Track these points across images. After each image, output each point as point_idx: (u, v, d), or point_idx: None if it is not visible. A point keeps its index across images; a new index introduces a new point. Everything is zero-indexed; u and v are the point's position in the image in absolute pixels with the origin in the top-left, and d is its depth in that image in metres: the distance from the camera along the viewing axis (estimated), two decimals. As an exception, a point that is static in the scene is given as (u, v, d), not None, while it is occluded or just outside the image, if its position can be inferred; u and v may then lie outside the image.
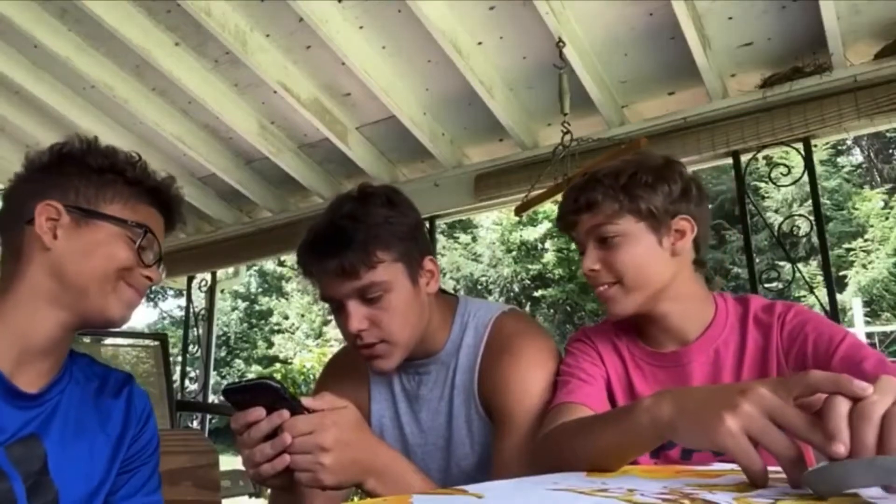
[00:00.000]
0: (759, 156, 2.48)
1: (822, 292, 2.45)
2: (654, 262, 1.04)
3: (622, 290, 1.04)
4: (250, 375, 15.84)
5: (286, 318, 17.04)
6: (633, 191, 1.03)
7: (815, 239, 2.38)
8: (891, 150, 15.04)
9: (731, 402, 0.63)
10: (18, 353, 0.86)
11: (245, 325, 17.89)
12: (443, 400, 1.18)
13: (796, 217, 2.51)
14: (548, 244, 13.75)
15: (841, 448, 0.55)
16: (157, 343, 3.66)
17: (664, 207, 1.03)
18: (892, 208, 12.40)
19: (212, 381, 4.03)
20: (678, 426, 0.69)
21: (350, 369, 1.25)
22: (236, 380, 0.90)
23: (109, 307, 0.91)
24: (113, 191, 0.93)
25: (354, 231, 1.04)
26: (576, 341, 1.15)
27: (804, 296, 8.92)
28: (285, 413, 0.82)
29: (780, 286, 2.90)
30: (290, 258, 16.33)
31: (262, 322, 17.75)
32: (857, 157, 15.11)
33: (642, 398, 0.76)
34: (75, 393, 0.94)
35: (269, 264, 17.47)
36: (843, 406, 0.57)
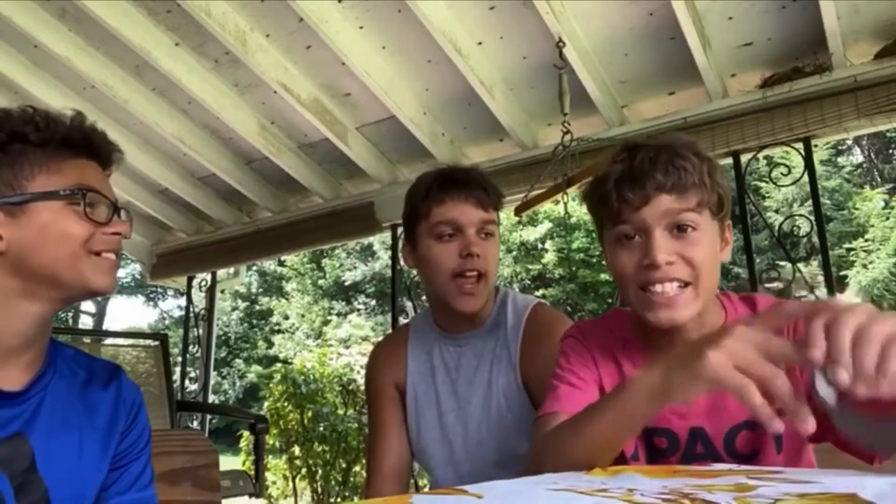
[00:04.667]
0: (760, 156, 2.48)
1: (822, 292, 2.45)
2: (717, 267, 0.92)
3: (693, 293, 0.89)
4: (251, 376, 15.85)
5: (286, 318, 17.01)
6: (716, 179, 0.89)
7: (815, 239, 2.39)
8: (891, 150, 15.03)
9: (715, 341, 0.66)
10: None
11: (245, 325, 17.87)
12: (480, 369, 1.33)
13: (797, 217, 2.52)
14: (548, 244, 13.74)
15: (844, 374, 0.59)
16: (157, 343, 3.66)
17: (728, 207, 0.92)
18: (892, 208, 12.39)
19: (212, 381, 4.03)
20: (671, 383, 0.70)
21: (391, 353, 1.44)
22: None
23: (90, 283, 0.87)
24: (28, 163, 0.85)
25: (488, 178, 1.32)
26: (569, 338, 1.07)
27: (804, 296, 8.92)
28: None
29: (781, 286, 2.90)
30: (291, 258, 16.35)
31: (262, 322, 17.72)
32: (858, 157, 15.11)
33: (631, 375, 0.78)
34: (60, 387, 0.91)
35: (269, 264, 17.45)
36: (842, 329, 0.60)
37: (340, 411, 6.74)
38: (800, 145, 2.37)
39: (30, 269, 0.84)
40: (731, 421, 0.89)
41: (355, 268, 16.30)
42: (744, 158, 2.45)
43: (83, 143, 0.89)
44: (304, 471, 6.49)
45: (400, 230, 1.40)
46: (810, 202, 2.52)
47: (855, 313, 0.61)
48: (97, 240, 0.87)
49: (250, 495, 3.31)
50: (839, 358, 0.59)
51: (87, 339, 3.63)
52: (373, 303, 16.61)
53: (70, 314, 18.76)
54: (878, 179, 14.33)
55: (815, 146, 2.47)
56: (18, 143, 0.85)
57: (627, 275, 0.91)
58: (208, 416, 4.21)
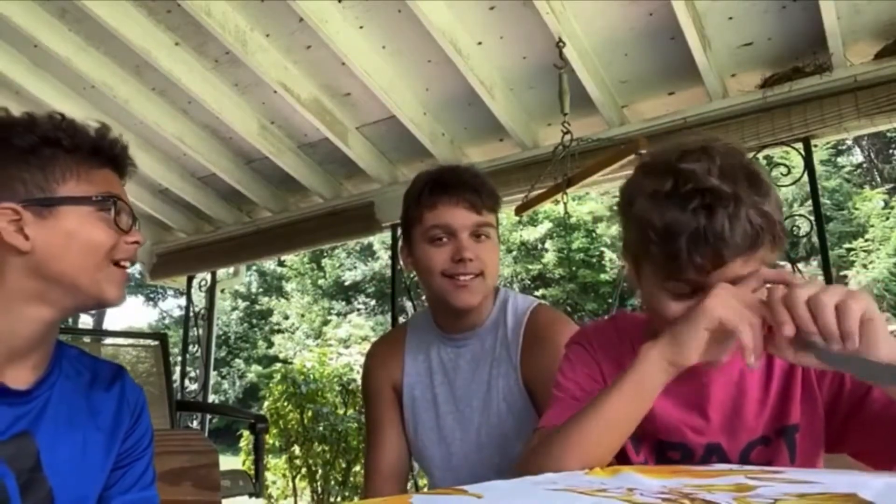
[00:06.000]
0: (760, 156, 2.48)
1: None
2: None
3: None
4: (251, 375, 15.84)
5: (286, 318, 16.99)
6: (784, 226, 0.84)
7: (815, 239, 2.38)
8: (891, 150, 15.02)
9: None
10: (4, 352, 0.84)
11: (245, 325, 17.85)
12: (479, 371, 1.32)
13: (796, 217, 2.51)
14: (548, 244, 13.74)
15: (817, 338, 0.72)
16: (157, 343, 3.66)
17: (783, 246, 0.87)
18: (892, 208, 12.39)
19: (212, 381, 4.03)
20: (678, 340, 0.79)
21: (387, 353, 1.43)
22: None
23: (104, 293, 0.88)
24: (59, 167, 0.86)
25: (484, 179, 1.31)
26: (575, 344, 1.04)
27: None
28: None
29: (780, 286, 2.89)
30: (290, 258, 16.33)
31: (262, 322, 17.70)
32: (858, 157, 15.09)
33: (638, 357, 0.82)
34: (66, 387, 0.91)
35: (269, 264, 17.43)
36: (797, 302, 0.72)
37: (340, 411, 6.74)
38: (800, 145, 2.37)
39: (50, 272, 0.84)
40: (749, 437, 0.89)
41: (355, 268, 16.30)
42: (744, 158, 2.45)
43: (110, 154, 0.91)
44: (304, 471, 6.49)
45: (399, 230, 1.40)
46: (810, 202, 2.52)
47: (805, 287, 0.73)
48: (120, 248, 0.89)
49: (250, 495, 3.31)
50: (808, 328, 0.71)
51: (87, 339, 3.63)
52: (373, 303, 16.60)
53: (70, 314, 18.71)
54: (878, 179, 14.31)
55: (815, 146, 2.47)
56: (49, 148, 0.86)
57: (670, 317, 0.84)
58: (208, 416, 4.21)
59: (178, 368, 4.60)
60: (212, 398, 4.39)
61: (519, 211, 2.47)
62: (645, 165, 0.89)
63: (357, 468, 6.33)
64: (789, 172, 2.52)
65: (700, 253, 0.78)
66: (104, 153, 0.91)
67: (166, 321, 19.78)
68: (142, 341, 3.86)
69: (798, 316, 0.71)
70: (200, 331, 4.10)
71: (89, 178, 0.88)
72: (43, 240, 0.84)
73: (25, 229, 0.83)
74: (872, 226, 12.05)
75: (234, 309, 17.83)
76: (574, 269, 13.20)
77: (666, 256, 0.81)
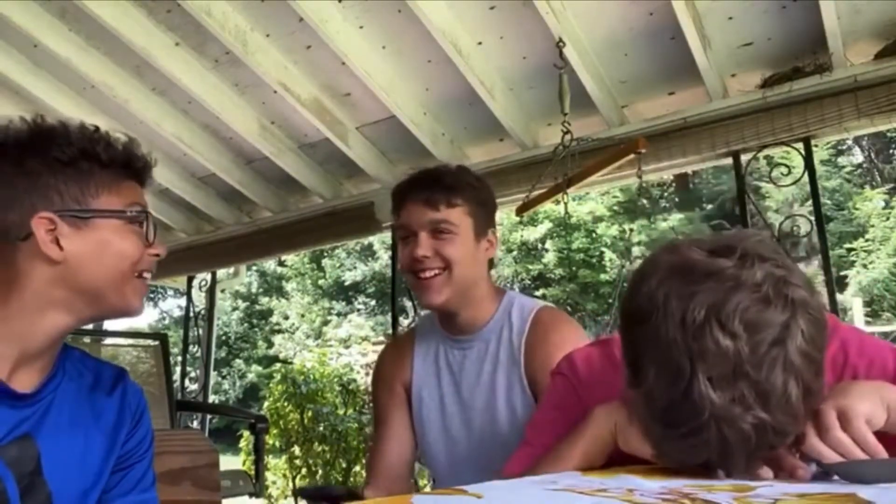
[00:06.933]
0: (760, 156, 2.48)
1: (822, 292, 2.45)
2: None
3: None
4: (251, 376, 15.84)
5: (286, 318, 17.00)
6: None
7: (815, 239, 2.38)
8: (891, 150, 15.02)
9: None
10: (17, 356, 0.84)
11: (245, 325, 17.85)
12: (483, 373, 1.34)
13: (797, 217, 2.51)
14: (548, 244, 13.74)
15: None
16: (157, 343, 3.66)
17: None
18: (892, 208, 12.38)
19: (212, 381, 4.03)
20: (622, 435, 0.80)
21: (398, 355, 1.46)
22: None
23: (129, 304, 0.91)
24: (94, 181, 0.88)
25: (446, 176, 1.30)
26: (560, 375, 1.01)
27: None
28: None
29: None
30: (291, 258, 16.32)
31: (262, 322, 17.70)
32: (858, 157, 15.09)
33: (589, 419, 0.84)
34: (69, 389, 0.92)
35: (269, 264, 17.41)
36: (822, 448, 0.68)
37: (340, 411, 6.74)
38: (800, 145, 2.36)
39: (79, 282, 0.86)
40: None
41: (355, 268, 16.30)
42: (744, 158, 2.45)
43: (138, 168, 0.95)
44: (304, 471, 6.50)
45: (400, 230, 1.43)
46: (810, 202, 2.52)
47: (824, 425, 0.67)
48: (143, 260, 0.92)
49: (250, 495, 3.32)
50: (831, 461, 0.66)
51: (86, 339, 3.62)
52: (373, 303, 16.60)
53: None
54: (878, 179, 14.31)
55: (816, 146, 2.46)
56: (87, 162, 0.88)
57: (648, 454, 0.79)
58: (208, 416, 4.21)
59: (178, 368, 4.60)
60: (212, 398, 4.39)
61: (519, 211, 2.47)
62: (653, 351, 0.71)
63: (357, 468, 6.33)
64: (789, 172, 2.52)
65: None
66: (132, 166, 0.94)
67: (166, 321, 19.77)
68: (142, 341, 3.86)
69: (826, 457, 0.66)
70: (200, 331, 4.10)
71: (119, 191, 0.90)
72: (76, 250, 0.85)
73: (61, 240, 0.84)
74: (872, 226, 12.04)
75: (235, 309, 17.82)
76: (574, 269, 13.20)
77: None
